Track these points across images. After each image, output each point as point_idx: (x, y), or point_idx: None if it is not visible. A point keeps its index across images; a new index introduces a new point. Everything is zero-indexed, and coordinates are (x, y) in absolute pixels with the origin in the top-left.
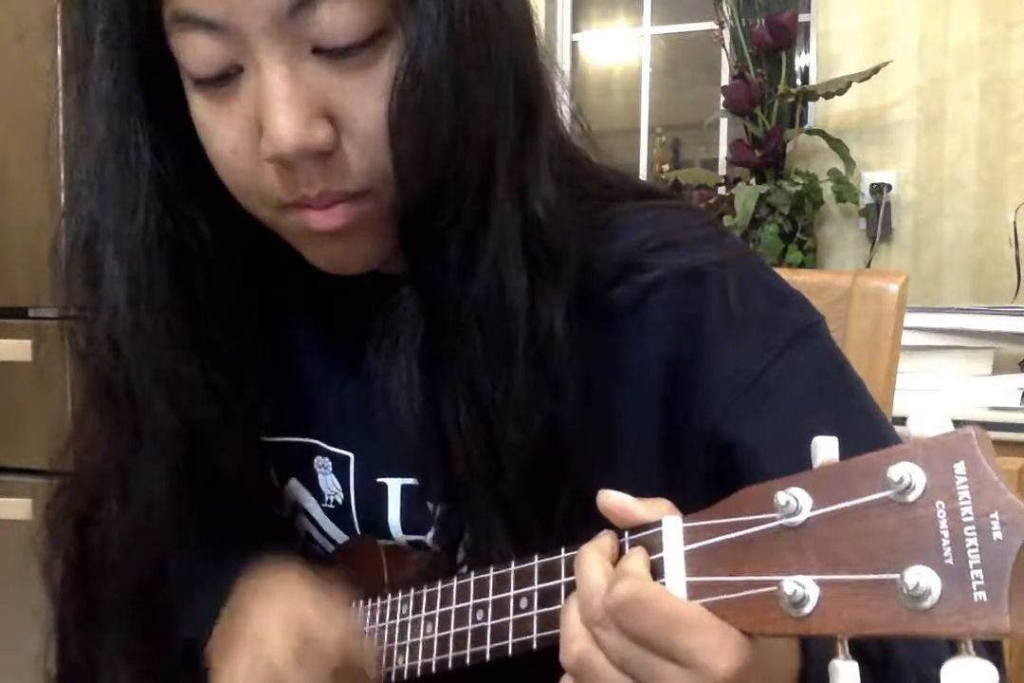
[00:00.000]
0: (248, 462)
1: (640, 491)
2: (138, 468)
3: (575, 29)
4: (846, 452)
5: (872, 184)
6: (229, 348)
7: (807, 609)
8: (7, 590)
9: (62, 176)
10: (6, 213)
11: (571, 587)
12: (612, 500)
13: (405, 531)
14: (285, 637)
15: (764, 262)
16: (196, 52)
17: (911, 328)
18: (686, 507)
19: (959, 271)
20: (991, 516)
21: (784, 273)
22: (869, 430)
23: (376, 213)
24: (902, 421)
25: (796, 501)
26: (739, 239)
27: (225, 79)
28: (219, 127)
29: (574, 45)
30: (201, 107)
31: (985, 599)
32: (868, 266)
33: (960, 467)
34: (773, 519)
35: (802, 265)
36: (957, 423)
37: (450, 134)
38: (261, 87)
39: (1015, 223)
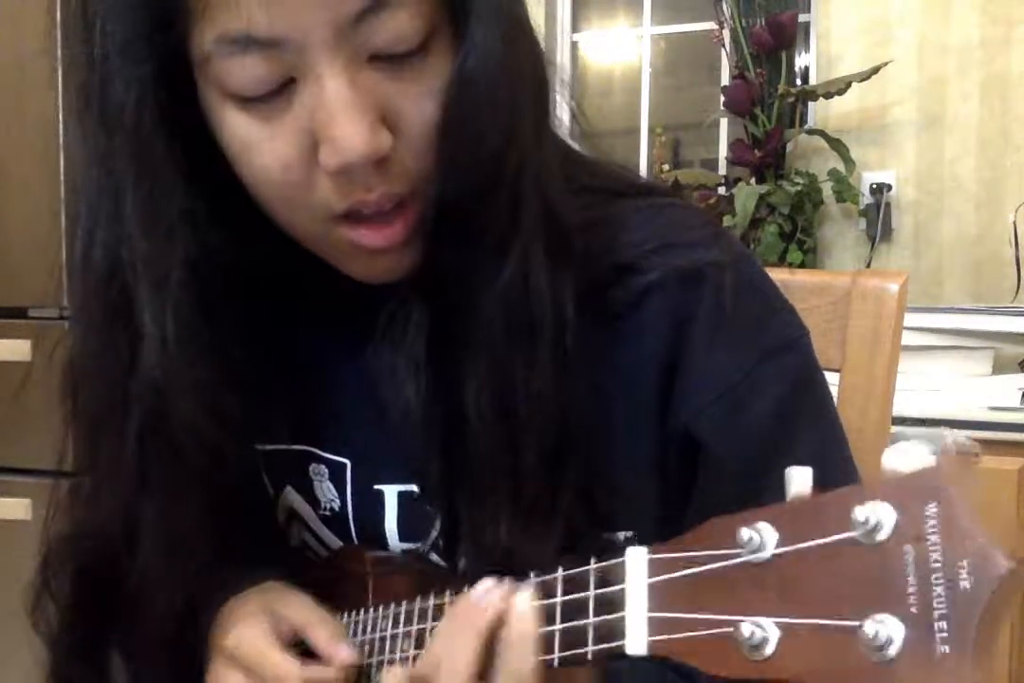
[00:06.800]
0: (245, 472)
1: (635, 491)
2: (149, 497)
3: (575, 29)
4: None
5: (872, 184)
6: (234, 359)
7: (768, 651)
8: (7, 590)
9: (62, 177)
10: (6, 213)
11: (547, 609)
12: None
13: (402, 539)
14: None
15: (761, 266)
16: (247, 72)
17: (911, 328)
18: (679, 504)
19: (959, 271)
20: (960, 564)
21: (784, 273)
22: (828, 451)
23: (422, 220)
24: (902, 421)
25: (760, 537)
26: (737, 240)
27: (274, 95)
28: (266, 142)
29: (574, 45)
30: (243, 125)
31: (948, 652)
32: (868, 266)
33: (932, 508)
34: (738, 555)
35: (802, 265)
36: (956, 424)
37: (500, 138)
38: (323, 97)
39: (1015, 223)
